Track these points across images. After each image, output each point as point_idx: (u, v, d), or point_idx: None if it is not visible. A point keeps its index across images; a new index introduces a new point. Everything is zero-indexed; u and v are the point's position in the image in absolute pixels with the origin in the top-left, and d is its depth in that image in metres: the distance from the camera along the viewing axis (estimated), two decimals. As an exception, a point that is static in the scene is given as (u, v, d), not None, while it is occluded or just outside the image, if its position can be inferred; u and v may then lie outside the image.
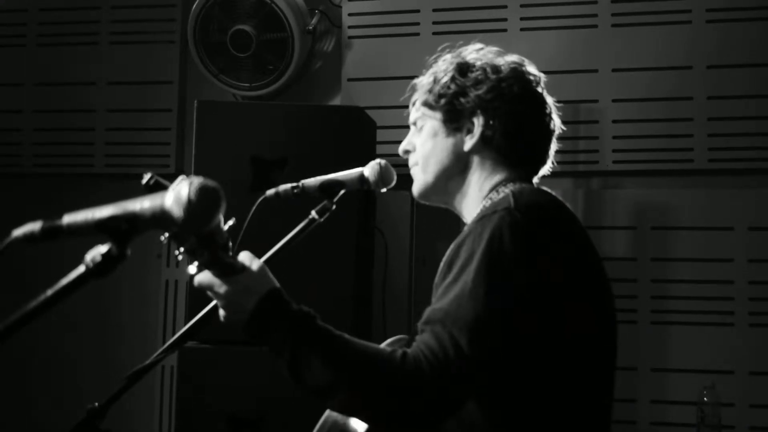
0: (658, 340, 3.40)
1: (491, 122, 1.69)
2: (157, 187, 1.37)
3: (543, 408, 1.52)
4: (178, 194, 1.02)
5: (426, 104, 1.77)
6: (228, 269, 1.45)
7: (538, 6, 3.55)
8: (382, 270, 3.49)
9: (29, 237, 1.10)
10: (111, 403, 1.57)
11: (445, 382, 1.42)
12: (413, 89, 1.84)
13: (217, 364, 2.98)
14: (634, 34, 3.48)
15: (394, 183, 1.98)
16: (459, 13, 3.61)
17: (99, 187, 3.88)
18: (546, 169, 1.80)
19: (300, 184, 1.96)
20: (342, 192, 1.94)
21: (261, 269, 1.51)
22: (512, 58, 1.76)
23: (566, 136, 3.67)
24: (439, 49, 1.83)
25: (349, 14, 3.74)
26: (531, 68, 1.77)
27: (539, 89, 1.76)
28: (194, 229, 1.15)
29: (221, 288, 1.47)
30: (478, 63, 1.73)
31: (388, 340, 1.81)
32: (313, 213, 1.89)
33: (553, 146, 1.79)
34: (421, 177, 1.78)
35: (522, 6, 3.57)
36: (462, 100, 1.71)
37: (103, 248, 1.06)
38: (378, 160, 1.96)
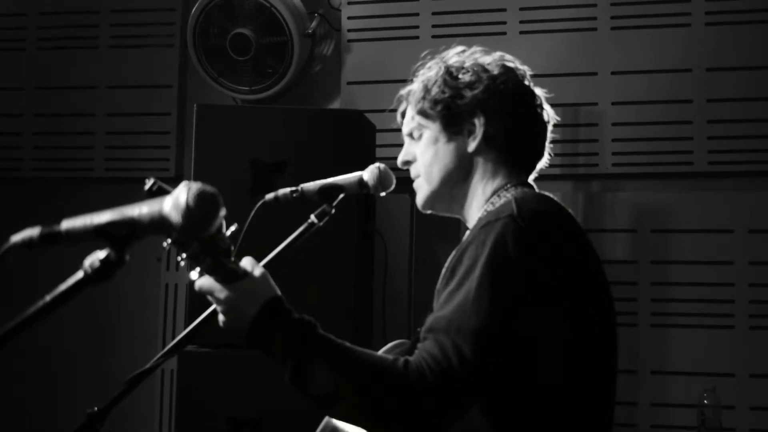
0: (659, 342, 3.40)
1: (492, 121, 1.69)
2: (160, 193, 1.37)
3: (546, 413, 1.52)
4: (176, 200, 1.03)
5: (421, 113, 1.75)
6: (230, 275, 1.45)
7: (538, 9, 3.55)
8: (382, 273, 3.49)
9: (28, 243, 1.10)
10: (111, 407, 1.57)
11: (449, 390, 1.42)
12: (401, 100, 1.83)
13: (217, 368, 2.98)
14: (633, 37, 3.48)
15: (393, 187, 1.97)
16: (458, 16, 3.61)
17: (99, 191, 3.87)
18: (544, 162, 1.79)
19: (299, 188, 1.96)
20: (341, 196, 1.94)
21: (263, 276, 1.50)
22: (497, 55, 1.76)
23: (566, 138, 3.67)
24: (422, 55, 1.82)
25: (349, 18, 3.74)
26: (517, 63, 1.77)
27: (527, 82, 1.76)
28: (193, 234, 1.15)
29: (222, 293, 1.47)
30: (467, 64, 1.73)
31: (389, 345, 1.81)
32: (313, 217, 1.89)
33: (550, 137, 1.79)
34: (425, 186, 1.76)
35: (521, 9, 3.57)
36: (459, 102, 1.70)
37: (101, 254, 1.06)
38: (377, 164, 1.96)
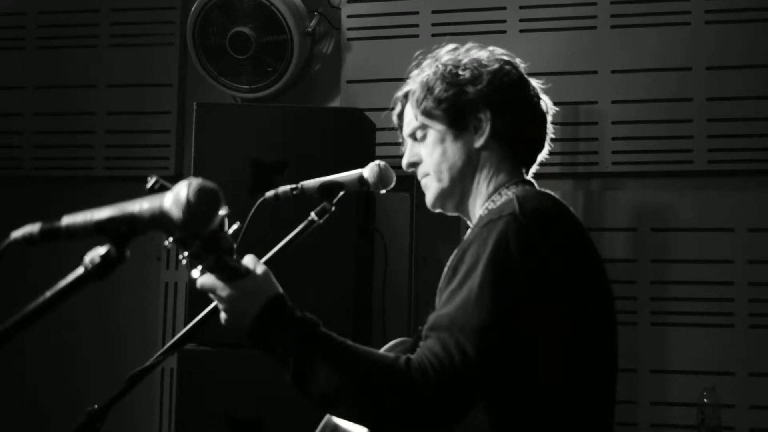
0: (658, 341, 3.40)
1: (498, 114, 1.69)
2: (162, 191, 1.37)
3: (546, 411, 1.52)
4: (177, 196, 1.02)
5: (425, 113, 1.74)
6: (232, 273, 1.44)
7: (538, 7, 3.55)
8: (382, 271, 3.48)
9: (28, 239, 1.10)
10: (111, 405, 1.58)
11: (451, 389, 1.42)
12: (396, 102, 1.83)
13: (217, 366, 2.98)
14: (633, 35, 3.48)
15: (393, 184, 1.97)
16: (458, 14, 3.61)
17: (99, 190, 3.87)
18: (545, 153, 1.80)
19: (299, 185, 1.96)
20: (341, 193, 1.94)
21: (265, 274, 1.50)
22: (490, 50, 1.76)
23: (566, 137, 3.67)
24: (415, 56, 1.82)
25: (348, 16, 3.74)
26: (510, 56, 1.77)
27: (525, 75, 1.77)
28: (193, 230, 1.15)
29: (224, 291, 1.46)
30: (464, 61, 1.73)
31: (390, 344, 1.80)
32: (313, 214, 1.89)
33: (550, 128, 1.79)
34: (436, 185, 1.75)
35: (521, 7, 3.57)
36: (463, 99, 1.70)
37: (102, 250, 1.06)
38: (377, 162, 1.96)
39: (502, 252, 1.47)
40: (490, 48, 1.77)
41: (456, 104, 1.71)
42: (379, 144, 3.31)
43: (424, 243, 3.59)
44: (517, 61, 1.77)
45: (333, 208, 1.91)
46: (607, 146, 3.50)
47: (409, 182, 1.82)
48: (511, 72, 1.72)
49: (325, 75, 3.82)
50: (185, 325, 1.77)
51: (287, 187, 1.97)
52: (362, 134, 3.19)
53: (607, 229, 3.46)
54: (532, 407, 1.51)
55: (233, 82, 3.67)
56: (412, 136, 1.79)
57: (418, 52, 1.83)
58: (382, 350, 1.76)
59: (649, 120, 3.45)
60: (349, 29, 3.74)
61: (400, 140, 1.86)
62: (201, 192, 1.03)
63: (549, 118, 1.79)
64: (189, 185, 1.02)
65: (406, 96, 1.81)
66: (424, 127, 1.76)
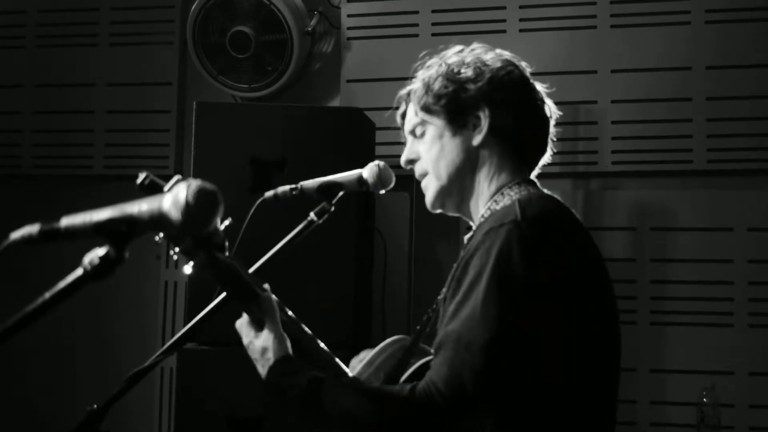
0: (658, 340, 3.40)
1: (497, 112, 1.69)
2: (152, 187, 1.38)
3: (548, 412, 1.52)
4: (176, 197, 1.02)
5: (425, 109, 1.74)
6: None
7: (537, 7, 3.55)
8: (382, 271, 3.48)
9: (27, 239, 1.10)
10: (110, 405, 1.58)
11: (459, 408, 1.42)
12: (401, 101, 1.83)
13: (217, 366, 2.97)
14: (633, 35, 3.48)
15: (392, 184, 1.97)
16: (458, 14, 3.61)
17: (98, 189, 3.87)
18: (546, 157, 1.79)
19: (299, 185, 1.96)
20: (341, 194, 1.94)
21: (272, 332, 1.62)
22: (497, 51, 1.76)
23: (565, 137, 3.66)
24: (420, 55, 1.82)
25: (348, 15, 3.74)
26: (516, 59, 1.77)
27: (529, 77, 1.76)
28: (193, 231, 1.15)
29: (246, 339, 1.66)
30: (468, 59, 1.73)
31: (388, 340, 1.81)
32: (312, 215, 1.89)
33: (552, 132, 1.78)
34: (435, 184, 1.74)
35: (521, 7, 3.57)
36: (463, 96, 1.70)
37: (101, 251, 1.06)
38: (377, 162, 1.96)
39: (505, 263, 1.46)
40: (497, 50, 1.76)
41: (455, 100, 1.70)
42: (379, 144, 3.31)
43: (423, 243, 3.59)
44: (523, 63, 1.77)
45: (332, 209, 1.91)
46: (607, 146, 3.50)
47: (409, 182, 1.82)
48: (513, 72, 1.71)
49: (324, 74, 3.82)
50: (185, 324, 1.77)
51: (287, 187, 1.97)
52: (362, 134, 3.19)
53: (607, 228, 3.46)
54: (534, 408, 1.51)
55: (233, 81, 3.67)
56: (413, 132, 1.79)
57: (424, 52, 1.82)
58: (379, 347, 1.76)
59: (649, 119, 3.45)
60: (349, 28, 3.73)
61: (403, 140, 1.86)
62: (200, 193, 1.02)
63: (552, 123, 1.78)
64: (188, 187, 1.02)
65: (409, 94, 1.81)
66: (423, 123, 1.75)
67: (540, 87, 1.77)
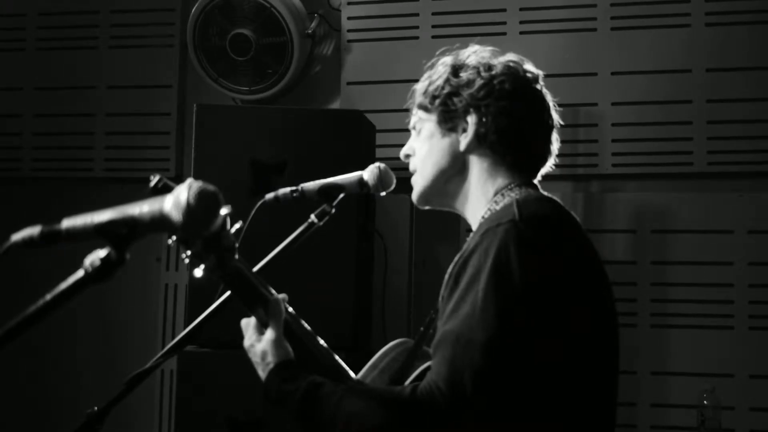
0: (658, 343, 3.40)
1: (484, 120, 1.68)
2: (165, 190, 1.38)
3: (546, 414, 1.52)
4: (177, 198, 1.02)
5: (422, 107, 1.76)
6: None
7: (537, 9, 3.55)
8: (382, 273, 3.49)
9: (28, 241, 1.10)
10: (110, 407, 1.58)
11: (461, 407, 1.42)
12: (413, 94, 1.83)
13: (217, 368, 2.97)
14: (633, 37, 3.48)
15: (393, 186, 1.98)
16: (458, 16, 3.61)
17: (99, 191, 3.87)
18: (548, 167, 1.78)
19: (299, 188, 1.96)
20: (341, 196, 1.94)
21: (273, 337, 1.60)
22: (509, 57, 1.75)
23: (565, 139, 3.66)
24: (438, 52, 1.82)
25: (349, 18, 3.74)
26: (528, 66, 1.76)
27: (536, 86, 1.74)
28: (194, 233, 1.15)
29: (246, 342, 1.65)
30: (472, 63, 1.73)
31: (391, 344, 1.80)
32: (313, 217, 1.89)
33: (555, 143, 1.78)
34: (420, 182, 1.77)
35: (521, 9, 3.57)
36: (455, 99, 1.70)
37: (102, 253, 1.06)
38: (377, 164, 1.96)
39: (503, 262, 1.46)
40: (509, 55, 1.75)
41: (447, 103, 1.71)
42: (379, 146, 3.31)
43: (423, 244, 3.59)
44: (534, 70, 1.75)
45: (333, 211, 1.91)
46: (607, 148, 3.50)
47: (410, 184, 1.82)
48: (509, 80, 1.69)
49: (325, 77, 3.82)
50: (185, 327, 1.77)
51: (287, 189, 1.97)
52: (362, 136, 3.19)
53: (607, 230, 3.46)
54: (532, 407, 1.51)
55: (233, 84, 3.67)
56: (414, 128, 1.81)
57: (443, 49, 1.82)
58: (383, 350, 1.76)
59: (649, 122, 3.46)
60: (349, 31, 3.74)
61: (405, 141, 1.87)
62: (201, 195, 1.03)
63: (554, 132, 1.78)
64: (189, 188, 1.02)
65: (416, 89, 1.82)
66: (420, 120, 1.78)
67: (548, 97, 1.76)
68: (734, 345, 3.33)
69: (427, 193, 1.77)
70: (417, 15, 3.67)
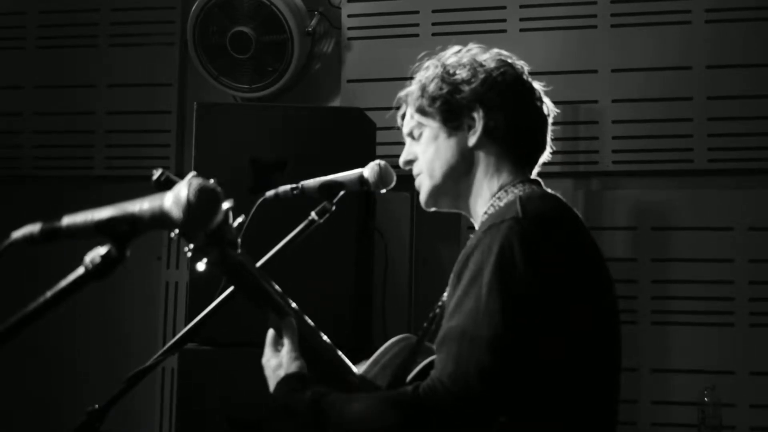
0: (659, 340, 3.40)
1: (491, 113, 1.69)
2: (168, 184, 1.38)
3: (549, 411, 1.52)
4: (177, 195, 1.03)
5: (420, 110, 1.75)
6: (238, 269, 1.46)
7: (538, 7, 3.55)
8: (382, 271, 3.49)
9: (29, 239, 1.10)
10: (111, 405, 1.58)
11: (466, 403, 1.42)
12: (401, 102, 1.83)
13: (218, 366, 2.97)
14: (633, 34, 3.48)
15: (393, 184, 1.98)
16: (458, 14, 3.61)
17: (99, 190, 3.88)
18: (546, 155, 1.79)
19: (300, 185, 1.96)
20: (341, 193, 1.95)
21: (289, 352, 1.61)
22: (493, 51, 1.76)
23: (566, 136, 3.67)
24: (419, 57, 1.82)
25: (349, 16, 3.74)
26: (513, 59, 1.77)
27: (525, 77, 1.76)
28: (194, 229, 1.15)
29: (264, 357, 1.64)
30: (463, 61, 1.73)
31: (393, 339, 1.80)
32: (313, 214, 1.90)
33: (550, 131, 1.79)
34: (428, 182, 1.75)
35: (521, 7, 3.57)
36: (457, 97, 1.70)
37: (102, 250, 1.06)
38: (377, 161, 1.97)
39: (507, 258, 1.46)
40: (494, 50, 1.76)
41: (449, 102, 1.71)
42: (380, 143, 3.31)
43: (424, 242, 3.59)
44: (520, 63, 1.76)
45: (333, 208, 1.92)
46: (608, 145, 3.50)
47: (410, 182, 1.82)
48: (507, 72, 1.71)
49: (325, 74, 3.82)
50: (186, 325, 1.77)
51: (287, 187, 1.97)
52: (363, 134, 3.19)
53: (608, 228, 3.46)
54: (534, 407, 1.51)
55: (233, 82, 3.67)
56: (410, 134, 1.80)
57: (422, 54, 1.83)
58: (384, 346, 1.76)
59: (649, 119, 3.46)
60: (349, 29, 3.74)
61: (403, 140, 1.86)
62: (201, 192, 1.03)
63: (550, 121, 1.78)
64: (189, 185, 1.02)
65: (406, 96, 1.81)
66: (420, 125, 1.76)
67: (537, 86, 1.77)
68: (735, 342, 3.33)
69: (437, 194, 1.76)
70: (417, 12, 3.67)
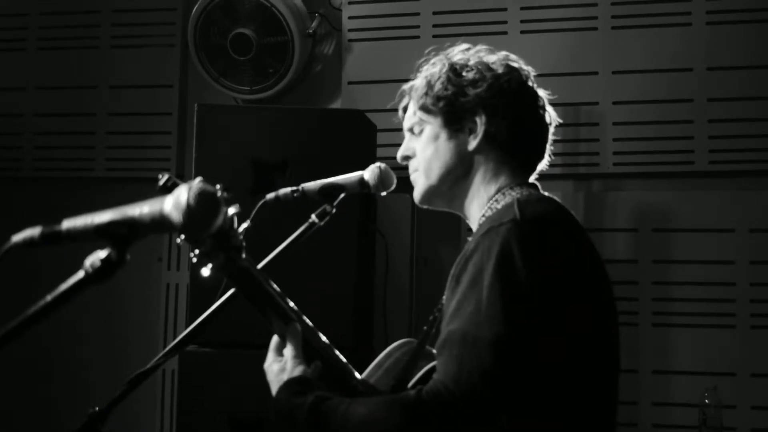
0: (660, 342, 3.39)
1: (493, 119, 1.69)
2: (174, 189, 1.38)
3: (547, 413, 1.52)
4: (177, 199, 1.03)
5: (423, 108, 1.74)
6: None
7: (538, 8, 3.55)
8: (383, 273, 3.49)
9: (29, 242, 1.10)
10: (112, 407, 1.58)
11: (470, 406, 1.42)
12: (404, 95, 1.83)
13: (218, 368, 2.98)
14: (634, 36, 3.48)
15: (394, 186, 1.98)
16: (459, 15, 3.61)
17: (100, 191, 3.88)
18: (545, 163, 1.79)
19: (300, 187, 1.96)
20: (342, 195, 1.95)
21: (292, 357, 1.59)
22: (502, 54, 1.75)
23: (567, 138, 3.67)
24: (426, 51, 1.82)
25: (350, 17, 3.74)
26: (521, 63, 1.76)
27: (530, 83, 1.75)
28: (194, 233, 1.15)
29: (266, 362, 1.62)
30: (471, 62, 1.73)
31: (395, 344, 1.80)
32: (313, 217, 1.90)
33: (551, 139, 1.78)
34: (423, 181, 1.76)
35: (522, 9, 3.57)
36: (462, 100, 1.70)
37: (102, 253, 1.06)
38: (378, 164, 1.97)
39: (506, 261, 1.46)
40: (504, 53, 1.76)
41: (453, 104, 1.70)
42: (380, 145, 3.31)
43: (425, 244, 3.59)
44: (527, 68, 1.76)
45: (334, 210, 1.92)
46: (608, 147, 3.49)
47: (410, 183, 1.81)
48: (514, 79, 1.71)
49: (326, 76, 3.82)
50: (187, 327, 1.77)
51: (288, 189, 1.97)
52: (363, 135, 3.19)
53: (608, 229, 3.46)
54: (534, 407, 1.51)
55: (234, 84, 3.67)
56: (411, 130, 1.80)
57: (429, 49, 1.82)
58: (386, 351, 1.76)
59: (650, 121, 3.45)
60: (350, 30, 3.74)
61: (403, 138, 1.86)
62: (201, 195, 1.03)
63: (551, 130, 1.78)
64: (189, 189, 1.02)
65: (411, 90, 1.81)
66: (421, 122, 1.76)
67: (542, 93, 1.76)
68: (736, 344, 3.33)
69: (432, 194, 1.76)
70: (418, 14, 3.67)
